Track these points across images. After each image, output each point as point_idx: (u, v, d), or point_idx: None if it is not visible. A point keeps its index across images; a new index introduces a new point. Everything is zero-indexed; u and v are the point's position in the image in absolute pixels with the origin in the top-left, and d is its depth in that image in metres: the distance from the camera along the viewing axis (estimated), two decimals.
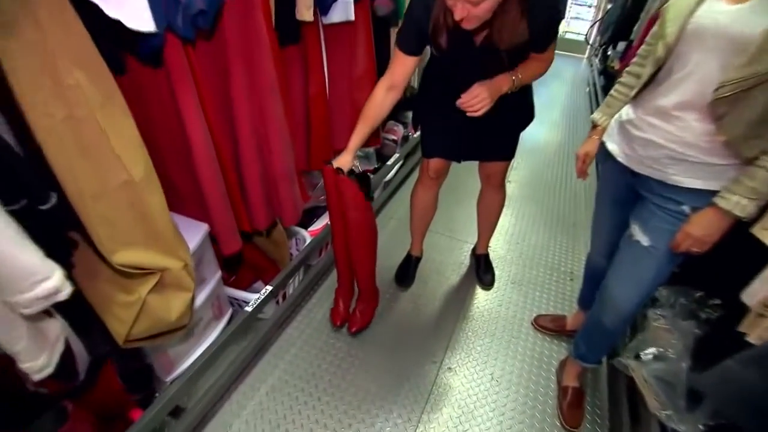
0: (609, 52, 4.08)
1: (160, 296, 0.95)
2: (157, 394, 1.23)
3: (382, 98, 1.35)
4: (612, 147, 1.23)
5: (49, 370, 0.79)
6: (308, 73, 1.40)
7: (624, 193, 1.25)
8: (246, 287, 1.78)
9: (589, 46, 7.08)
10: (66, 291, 0.74)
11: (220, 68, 1.06)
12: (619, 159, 1.20)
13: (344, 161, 1.36)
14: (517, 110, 1.53)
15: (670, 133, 1.01)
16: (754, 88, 0.83)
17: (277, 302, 1.72)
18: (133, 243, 0.86)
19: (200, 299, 1.35)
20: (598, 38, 6.05)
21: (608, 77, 4.34)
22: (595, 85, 4.88)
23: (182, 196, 1.22)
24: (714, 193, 0.98)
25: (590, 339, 1.38)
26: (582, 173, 1.42)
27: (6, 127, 0.70)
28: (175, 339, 1.13)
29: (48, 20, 0.62)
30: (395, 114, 2.79)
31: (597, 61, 5.71)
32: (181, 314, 1.00)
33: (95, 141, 0.74)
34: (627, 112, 1.19)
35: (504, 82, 1.31)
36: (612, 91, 1.34)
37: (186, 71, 0.93)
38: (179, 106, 0.97)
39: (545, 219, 2.59)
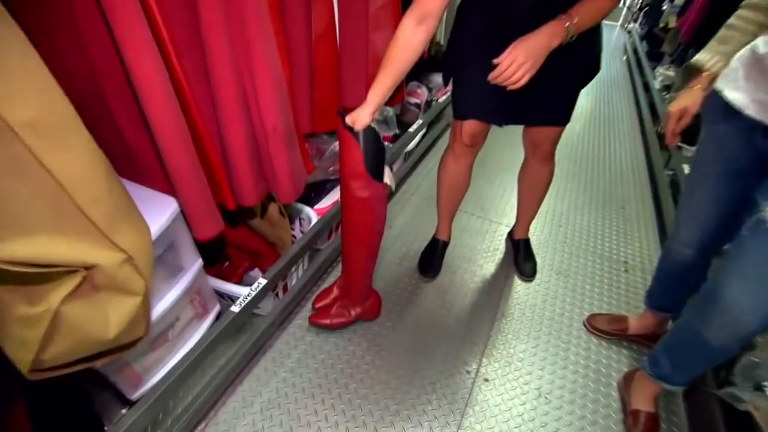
0: (664, 5, 3.59)
1: (85, 305, 0.64)
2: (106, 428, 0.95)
3: (411, 34, 1.00)
4: (736, 97, 0.88)
5: None
6: (312, 2, 1.05)
7: (748, 162, 0.91)
8: (241, 276, 1.48)
9: (625, 11, 6.57)
10: None
11: None
12: (748, 113, 0.85)
13: (359, 118, 1.03)
14: (580, 60, 1.18)
15: None
16: None
17: (277, 295, 1.42)
18: (28, 226, 0.55)
19: (174, 295, 1.06)
20: (640, 1, 5.53)
21: (654, 41, 3.86)
22: (636, 51, 4.40)
23: (139, 159, 0.90)
24: None
25: (680, 357, 1.05)
26: (674, 137, 1.07)
27: None
28: (127, 356, 0.83)
29: None
30: (417, 74, 2.42)
31: (636, 26, 5.20)
32: (123, 328, 0.69)
33: None
34: (763, 43, 0.83)
35: (553, 34, 0.97)
36: (731, 20, 0.97)
37: None
38: (116, 34, 0.64)
39: (590, 199, 2.22)
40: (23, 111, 0.51)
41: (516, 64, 0.96)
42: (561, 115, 1.30)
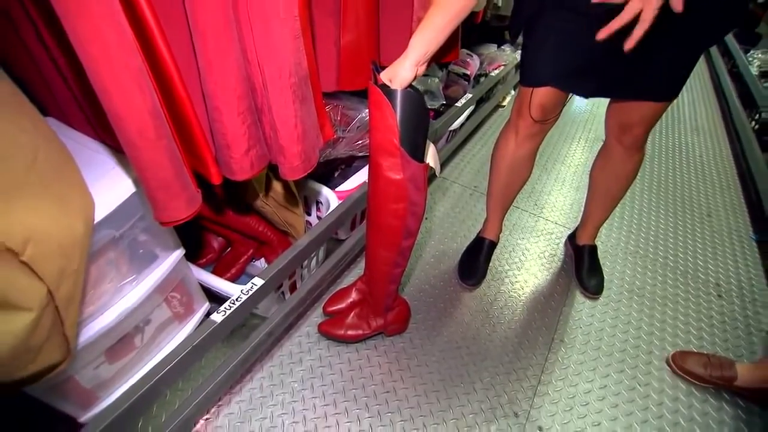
0: None
1: None
2: None
3: None
4: None
5: None
6: None
7: None
8: (243, 268, 1.22)
9: None
10: None
11: None
12: None
13: (399, 72, 0.73)
14: (714, 10, 0.83)
15: None
16: None
17: (282, 295, 1.16)
18: None
19: (142, 291, 0.80)
20: None
21: (746, 20, 3.32)
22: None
23: (92, 108, 0.64)
24: None
25: None
26: None
27: None
28: (42, 384, 0.58)
29: None
30: (467, 42, 2.08)
31: None
32: (5, 362, 0.43)
33: None
34: None
35: None
36: None
37: None
38: None
39: (666, 203, 1.84)
40: None
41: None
42: (672, 85, 0.96)
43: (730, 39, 3.32)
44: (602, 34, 0.69)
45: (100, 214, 0.64)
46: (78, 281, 0.52)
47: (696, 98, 2.93)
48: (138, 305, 0.80)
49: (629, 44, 0.68)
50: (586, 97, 1.00)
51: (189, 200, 0.65)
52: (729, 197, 1.94)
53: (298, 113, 0.71)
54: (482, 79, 2.03)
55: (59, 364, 0.53)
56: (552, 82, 0.99)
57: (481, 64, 2.07)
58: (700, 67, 3.57)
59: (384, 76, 0.76)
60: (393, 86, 0.74)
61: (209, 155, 0.68)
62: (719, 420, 1.06)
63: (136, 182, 0.71)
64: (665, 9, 0.66)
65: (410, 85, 0.76)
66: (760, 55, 2.59)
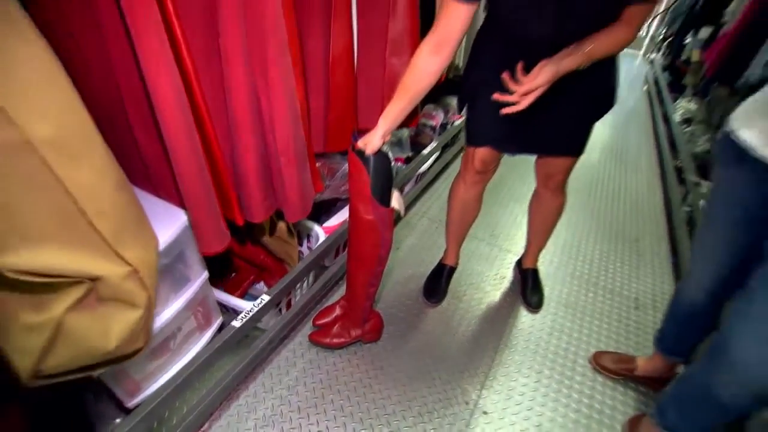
0: (688, 39, 3.57)
1: (88, 316, 0.65)
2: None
3: (427, 62, 1.02)
4: (750, 138, 0.86)
5: None
6: (331, 25, 1.08)
7: (759, 208, 0.88)
8: (246, 289, 1.49)
9: (647, 42, 6.52)
10: None
11: (212, 13, 0.75)
12: (761, 153, 0.84)
13: (371, 141, 1.04)
14: (595, 91, 1.17)
15: None
16: None
17: (280, 311, 1.42)
18: (39, 237, 0.57)
19: (178, 306, 1.07)
20: (663, 30, 5.50)
21: (676, 73, 3.84)
22: (657, 82, 4.37)
23: (153, 170, 0.92)
24: None
25: (688, 410, 1.01)
26: None
27: None
28: (125, 366, 0.84)
29: None
30: (434, 97, 2.44)
31: (659, 56, 5.17)
32: (123, 340, 0.70)
33: None
34: None
35: (571, 57, 0.95)
36: None
37: (155, 17, 0.63)
38: (136, 45, 0.66)
39: (602, 231, 2.19)
40: (44, 127, 0.53)
41: (538, 82, 0.94)
42: (575, 146, 1.29)
43: (664, 88, 3.83)
44: (504, 112, 1.00)
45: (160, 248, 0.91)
46: (155, 291, 0.80)
47: (640, 141, 3.35)
48: (175, 315, 1.06)
49: (504, 111, 0.99)
50: (513, 154, 1.33)
51: (223, 237, 0.94)
52: (655, 225, 2.31)
53: (299, 173, 1.01)
54: (448, 127, 2.39)
55: (141, 349, 0.80)
56: (489, 144, 1.32)
57: (446, 114, 2.43)
58: (645, 112, 4.05)
59: (360, 143, 1.07)
60: (367, 152, 1.05)
61: (236, 204, 0.97)
62: (623, 402, 1.36)
63: (178, 226, 0.99)
64: (554, 97, 0.98)
65: (379, 150, 1.07)
66: (683, 103, 3.04)
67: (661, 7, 6.33)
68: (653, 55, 5.62)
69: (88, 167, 0.60)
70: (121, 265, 0.67)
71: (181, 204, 0.94)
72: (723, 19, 2.58)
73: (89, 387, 0.99)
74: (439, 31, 1.00)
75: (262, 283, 1.53)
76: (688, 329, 1.21)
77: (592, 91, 1.16)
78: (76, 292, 0.63)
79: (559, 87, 0.98)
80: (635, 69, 5.93)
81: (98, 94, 0.80)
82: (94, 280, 0.64)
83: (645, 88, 4.91)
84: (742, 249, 0.98)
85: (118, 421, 1.06)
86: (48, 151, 0.53)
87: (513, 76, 0.98)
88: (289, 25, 0.91)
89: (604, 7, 0.94)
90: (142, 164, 0.96)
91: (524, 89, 0.94)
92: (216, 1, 0.77)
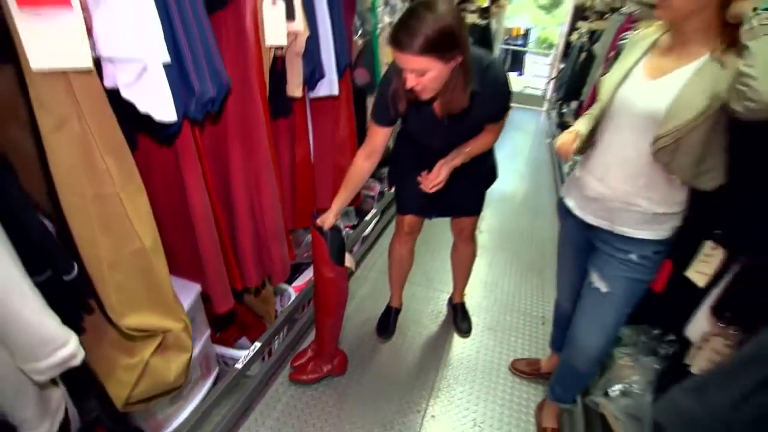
0: (564, 110, 4.48)
1: (161, 357, 0.99)
2: None
3: (362, 165, 1.49)
4: (570, 203, 1.39)
5: None
6: (295, 140, 1.54)
7: (583, 243, 1.40)
8: (231, 344, 1.80)
9: (546, 101, 7.62)
10: (80, 357, 0.79)
11: (221, 142, 1.18)
12: (576, 213, 1.36)
13: (326, 220, 1.47)
14: (481, 172, 1.70)
15: (613, 188, 1.17)
16: (679, 140, 0.99)
17: (263, 359, 1.75)
18: (140, 307, 0.92)
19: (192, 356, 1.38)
20: (554, 94, 6.62)
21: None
22: (555, 137, 5.28)
23: (176, 259, 1.28)
24: (659, 242, 1.14)
25: (564, 381, 1.48)
26: (569, 153, 1.30)
27: (35, 204, 0.78)
28: (167, 400, 1.15)
29: (90, 114, 0.72)
30: (373, 172, 2.95)
31: (555, 114, 6.21)
32: (178, 375, 1.04)
33: (116, 215, 0.82)
34: (578, 169, 1.36)
35: (457, 157, 1.45)
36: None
37: (193, 149, 1.04)
38: (185, 180, 1.06)
39: (516, 266, 2.74)
40: (148, 239, 0.91)
41: (440, 178, 1.44)
42: (473, 208, 1.81)
43: (556, 136, 4.69)
44: (423, 187, 1.48)
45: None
46: None
47: (545, 189, 4.07)
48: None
49: (433, 191, 1.47)
50: (431, 218, 1.82)
51: (230, 299, 1.30)
52: (555, 259, 2.90)
53: (281, 247, 1.41)
54: (384, 194, 2.90)
55: (181, 385, 1.12)
56: (412, 212, 1.80)
57: (382, 183, 2.95)
58: (550, 162, 4.88)
59: (319, 221, 1.50)
60: (324, 227, 1.48)
61: (237, 274, 1.35)
62: (535, 393, 1.80)
63: (194, 295, 1.34)
64: (454, 177, 1.47)
65: (333, 225, 1.50)
66: (572, 156, 3.83)
67: (553, 74, 7.59)
68: (552, 113, 6.70)
69: (163, 261, 0.98)
70: (180, 321, 1.02)
71: (195, 279, 1.30)
72: (581, 97, 3.40)
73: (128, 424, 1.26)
74: (369, 144, 1.48)
75: (244, 338, 1.85)
76: (564, 330, 1.70)
77: (479, 170, 1.69)
78: (156, 341, 0.97)
79: (456, 171, 1.48)
80: (540, 124, 6.96)
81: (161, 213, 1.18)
82: (165, 332, 0.99)
83: (548, 141, 5.87)
84: (581, 271, 1.50)
85: None
86: (151, 254, 0.91)
87: (425, 167, 1.46)
88: (270, 147, 1.35)
89: (475, 129, 1.48)
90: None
91: (433, 184, 1.43)
92: (227, 141, 1.20)
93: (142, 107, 0.77)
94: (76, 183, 0.75)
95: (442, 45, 1.09)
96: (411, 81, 1.16)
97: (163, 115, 0.79)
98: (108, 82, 0.75)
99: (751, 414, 0.63)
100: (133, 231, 0.85)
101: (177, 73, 0.82)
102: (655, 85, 1.06)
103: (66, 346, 0.76)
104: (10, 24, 0.61)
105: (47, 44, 0.62)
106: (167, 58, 0.76)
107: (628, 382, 1.34)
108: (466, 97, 1.26)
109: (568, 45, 6.37)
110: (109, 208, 0.80)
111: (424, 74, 1.14)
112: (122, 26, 0.69)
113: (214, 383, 1.55)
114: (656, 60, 1.10)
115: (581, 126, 1.31)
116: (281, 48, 1.27)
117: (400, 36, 1.09)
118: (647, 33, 1.17)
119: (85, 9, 0.68)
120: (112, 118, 0.77)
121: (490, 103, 1.34)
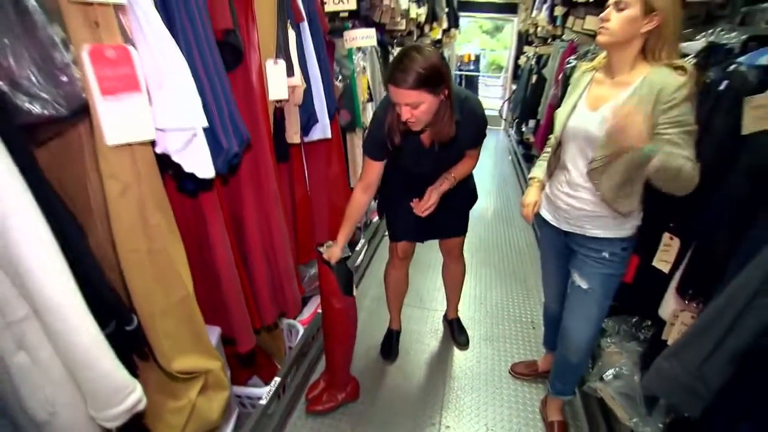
0: (523, 128, 4.81)
1: (205, 397, 1.07)
2: None
3: (360, 198, 1.63)
4: (545, 214, 1.57)
5: None
6: (293, 182, 1.67)
7: (562, 248, 1.58)
8: (246, 382, 1.85)
9: (503, 120, 8.08)
10: (144, 401, 0.87)
11: (235, 189, 1.29)
12: (552, 223, 1.54)
13: (333, 254, 1.59)
14: (464, 195, 1.87)
15: (579, 199, 1.36)
16: (608, 164, 1.20)
17: (278, 396, 1.80)
18: (187, 350, 1.00)
19: None
20: (510, 114, 7.05)
21: (526, 146, 5.07)
22: (515, 153, 5.63)
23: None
24: (624, 239, 1.33)
25: (562, 376, 1.63)
26: (530, 217, 1.60)
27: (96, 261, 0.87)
28: None
29: (146, 177, 0.83)
30: None
31: (513, 132, 6.60)
32: (220, 413, 1.11)
33: (165, 266, 0.92)
34: (548, 187, 1.55)
35: (445, 183, 1.62)
36: (539, 158, 1.68)
37: (216, 200, 1.15)
38: (209, 227, 1.16)
39: (500, 278, 2.91)
40: (189, 284, 1.00)
41: (431, 202, 1.60)
42: (460, 229, 1.97)
43: (521, 157, 5.01)
44: (416, 211, 1.62)
45: None
46: None
47: (513, 201, 4.32)
48: None
49: (425, 215, 1.62)
50: (422, 242, 1.96)
51: (252, 338, 1.38)
52: (536, 266, 3.09)
53: (292, 284, 1.51)
54: (368, 223, 3.03)
55: (219, 420, 1.18)
56: (404, 238, 1.94)
57: (367, 215, 3.09)
58: (513, 176, 5.19)
59: (325, 255, 1.61)
60: (332, 261, 1.59)
61: (256, 313, 1.43)
62: (536, 391, 1.94)
63: (216, 337, 1.41)
64: (442, 202, 1.62)
65: (340, 258, 1.61)
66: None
67: (506, 95, 8.05)
68: (510, 131, 7.10)
69: (197, 305, 1.07)
70: (218, 361, 1.11)
71: (216, 322, 1.38)
72: (538, 116, 3.71)
73: None
74: (364, 179, 1.63)
75: (255, 378, 1.90)
76: (555, 329, 1.86)
77: (462, 194, 1.86)
78: (200, 382, 1.04)
79: (443, 196, 1.64)
80: (500, 142, 7.37)
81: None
82: (207, 372, 1.07)
83: (510, 157, 6.22)
84: (563, 273, 1.67)
85: None
86: (193, 299, 1.00)
87: (414, 195, 1.62)
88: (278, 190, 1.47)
89: (458, 155, 1.66)
90: None
91: (425, 207, 1.58)
92: (241, 188, 1.31)
93: (189, 168, 0.88)
94: (134, 240, 0.85)
95: (432, 80, 1.27)
96: (406, 113, 1.32)
97: (205, 172, 0.90)
98: (158, 149, 0.86)
99: (718, 363, 0.79)
100: (180, 280, 0.95)
101: (210, 134, 0.94)
102: (595, 117, 1.26)
103: (134, 393, 0.84)
104: (91, 108, 0.72)
105: (120, 123, 0.73)
106: (207, 123, 0.89)
107: (618, 366, 1.49)
108: (453, 126, 1.43)
109: (517, 67, 6.87)
110: (161, 260, 0.90)
111: (418, 107, 1.31)
112: (178, 101, 0.81)
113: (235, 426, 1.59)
114: (596, 91, 1.31)
115: (539, 173, 1.58)
116: (280, 101, 1.41)
117: (396, 74, 1.26)
118: (586, 69, 1.39)
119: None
120: (159, 178, 0.88)
121: (470, 130, 1.52)
